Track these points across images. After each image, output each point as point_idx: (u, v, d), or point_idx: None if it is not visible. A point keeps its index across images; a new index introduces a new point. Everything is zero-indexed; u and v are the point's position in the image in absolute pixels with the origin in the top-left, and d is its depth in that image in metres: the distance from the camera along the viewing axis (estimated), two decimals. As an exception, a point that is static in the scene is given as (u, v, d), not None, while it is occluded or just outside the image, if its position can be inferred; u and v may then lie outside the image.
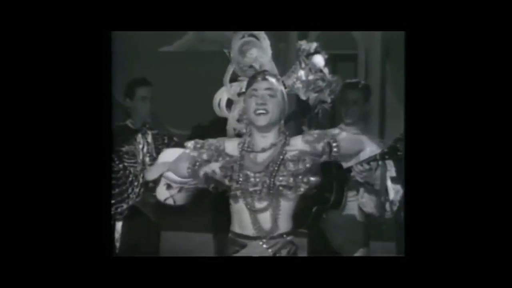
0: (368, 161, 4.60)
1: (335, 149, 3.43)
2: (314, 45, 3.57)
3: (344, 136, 3.53)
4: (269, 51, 3.56)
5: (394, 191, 4.81)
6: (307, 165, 3.44)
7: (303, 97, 3.54)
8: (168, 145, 4.77)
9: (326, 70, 3.58)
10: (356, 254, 4.84)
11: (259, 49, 3.55)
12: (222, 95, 3.66)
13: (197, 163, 3.51)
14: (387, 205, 4.82)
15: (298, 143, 3.50)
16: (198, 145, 3.54)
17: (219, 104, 3.65)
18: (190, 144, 3.56)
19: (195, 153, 3.54)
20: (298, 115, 4.45)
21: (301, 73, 3.55)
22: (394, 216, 4.94)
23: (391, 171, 4.85)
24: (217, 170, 3.47)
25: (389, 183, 4.79)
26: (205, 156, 3.52)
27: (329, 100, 3.59)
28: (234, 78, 3.66)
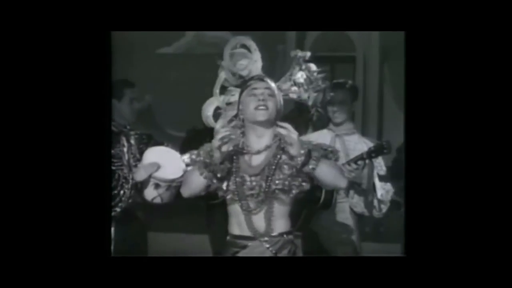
0: (355, 160, 4.62)
1: (313, 163, 3.41)
2: (308, 53, 3.65)
3: (329, 162, 3.51)
4: (259, 63, 3.63)
5: (384, 191, 4.82)
6: (299, 167, 3.45)
7: (304, 97, 3.58)
8: (148, 144, 4.75)
9: (321, 76, 3.64)
10: (349, 255, 4.84)
11: (250, 60, 3.62)
12: (209, 106, 3.72)
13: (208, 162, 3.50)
14: (376, 204, 4.84)
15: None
16: (194, 156, 3.57)
17: (206, 115, 3.71)
18: (186, 158, 3.60)
19: (194, 164, 3.55)
20: (296, 114, 4.49)
21: (301, 73, 3.60)
22: (384, 216, 4.95)
23: (380, 170, 4.86)
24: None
25: (377, 181, 4.81)
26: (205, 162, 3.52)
27: (319, 105, 3.64)
28: (222, 91, 3.71)
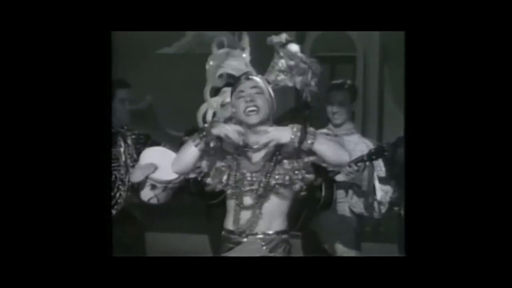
0: (355, 162, 4.61)
1: (309, 141, 3.36)
2: (283, 35, 3.64)
3: (329, 138, 3.49)
4: (247, 58, 3.63)
5: (383, 192, 4.83)
6: (302, 163, 3.44)
7: (290, 84, 3.58)
8: (146, 145, 4.75)
9: (302, 55, 3.62)
10: (348, 255, 4.85)
11: (236, 57, 3.62)
12: (202, 112, 3.70)
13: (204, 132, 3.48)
14: (375, 206, 4.84)
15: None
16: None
17: (204, 117, 3.68)
18: (187, 138, 3.57)
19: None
20: (294, 114, 4.49)
21: (282, 61, 3.59)
22: (383, 217, 4.96)
23: (380, 171, 4.87)
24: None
25: (377, 183, 4.81)
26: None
27: (313, 83, 3.62)
28: (216, 91, 3.70)
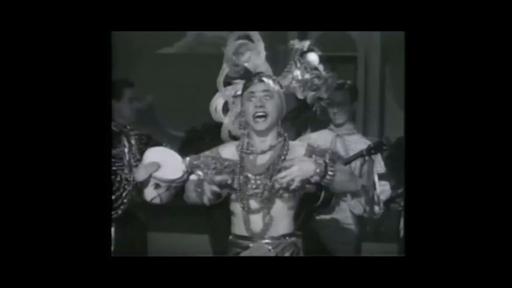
0: (354, 157, 4.61)
1: (330, 173, 3.39)
2: (307, 43, 3.59)
3: (342, 168, 3.51)
4: (263, 53, 3.57)
5: (381, 188, 4.83)
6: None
7: (301, 96, 3.55)
8: (148, 145, 4.76)
9: (321, 67, 3.58)
10: (348, 255, 4.85)
11: (253, 51, 3.57)
12: (217, 101, 3.67)
13: (203, 183, 3.49)
14: (376, 200, 4.84)
15: (298, 150, 3.50)
16: (193, 160, 3.59)
17: (215, 109, 3.66)
18: (187, 161, 3.61)
19: (192, 168, 3.57)
20: (295, 114, 4.47)
21: (297, 72, 3.55)
22: (382, 216, 4.96)
23: (380, 169, 4.87)
24: (220, 178, 3.45)
25: (376, 178, 4.81)
26: (203, 167, 3.53)
27: (326, 96, 3.60)
28: (228, 82, 3.67)
